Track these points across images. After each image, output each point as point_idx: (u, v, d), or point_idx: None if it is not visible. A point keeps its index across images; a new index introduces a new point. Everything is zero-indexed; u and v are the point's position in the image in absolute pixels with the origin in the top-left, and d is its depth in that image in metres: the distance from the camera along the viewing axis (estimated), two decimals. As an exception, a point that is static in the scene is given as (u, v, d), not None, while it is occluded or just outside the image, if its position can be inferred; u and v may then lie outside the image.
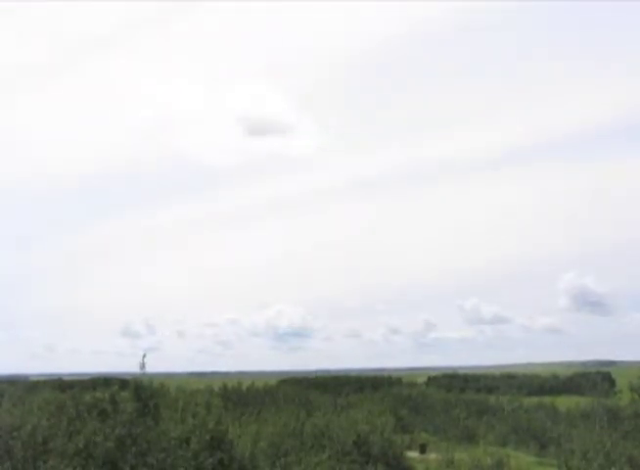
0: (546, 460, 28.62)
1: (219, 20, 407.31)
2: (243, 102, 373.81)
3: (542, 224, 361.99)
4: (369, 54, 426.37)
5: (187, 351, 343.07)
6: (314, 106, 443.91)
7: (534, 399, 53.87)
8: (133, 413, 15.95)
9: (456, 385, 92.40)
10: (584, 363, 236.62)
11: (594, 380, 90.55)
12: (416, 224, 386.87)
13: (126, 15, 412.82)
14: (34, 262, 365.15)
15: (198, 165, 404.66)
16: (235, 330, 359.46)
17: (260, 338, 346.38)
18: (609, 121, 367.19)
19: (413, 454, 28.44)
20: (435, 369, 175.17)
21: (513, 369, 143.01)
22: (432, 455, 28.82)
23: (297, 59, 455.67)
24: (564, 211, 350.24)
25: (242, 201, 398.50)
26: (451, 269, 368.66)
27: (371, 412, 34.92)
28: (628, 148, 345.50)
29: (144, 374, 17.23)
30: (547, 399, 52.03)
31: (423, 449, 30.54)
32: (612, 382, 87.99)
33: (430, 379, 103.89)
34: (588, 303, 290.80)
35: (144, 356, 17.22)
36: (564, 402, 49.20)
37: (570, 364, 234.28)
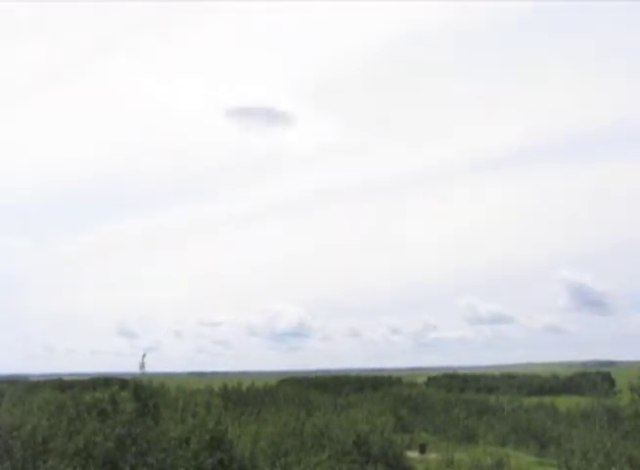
0: (546, 460, 28.62)
1: (220, 19, 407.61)
2: (242, 101, 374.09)
3: (542, 224, 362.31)
4: (368, 54, 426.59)
5: (186, 351, 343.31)
6: (316, 106, 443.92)
7: (534, 399, 53.88)
8: (133, 413, 15.94)
9: (456, 385, 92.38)
10: (584, 363, 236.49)
11: (594, 380, 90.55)
12: (416, 224, 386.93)
13: (127, 16, 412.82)
14: (34, 263, 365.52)
15: (197, 166, 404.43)
16: (235, 330, 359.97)
17: (260, 338, 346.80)
18: (609, 122, 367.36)
19: (413, 454, 28.43)
20: (435, 369, 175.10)
21: (513, 369, 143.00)
22: (432, 455, 28.82)
23: (300, 59, 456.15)
24: (564, 211, 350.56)
25: (242, 201, 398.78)
26: (451, 269, 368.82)
27: (371, 412, 34.91)
28: (628, 148, 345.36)
29: (144, 374, 17.23)
30: (547, 399, 52.04)
31: (423, 449, 30.52)
32: (612, 382, 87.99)
33: (430, 379, 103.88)
34: (588, 302, 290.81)
35: (144, 356, 17.24)
36: (564, 402, 49.20)
37: (570, 364, 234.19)
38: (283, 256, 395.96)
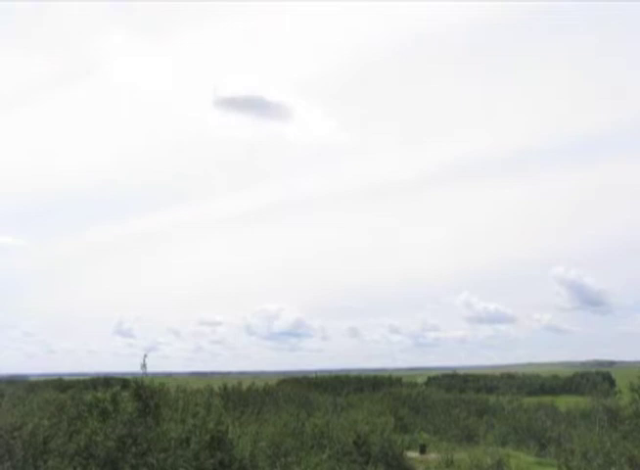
0: (546, 460, 28.60)
1: (221, 15, 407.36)
2: (242, 100, 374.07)
3: (542, 224, 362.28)
4: (368, 55, 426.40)
5: (186, 351, 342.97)
6: (313, 108, 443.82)
7: (534, 399, 53.82)
8: (134, 413, 15.97)
9: (456, 385, 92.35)
10: (584, 363, 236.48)
11: (594, 380, 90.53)
12: (416, 224, 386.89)
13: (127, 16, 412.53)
14: (34, 263, 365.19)
15: (197, 166, 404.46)
16: (235, 330, 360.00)
17: (260, 338, 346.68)
18: (610, 123, 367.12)
19: (413, 454, 28.42)
20: (435, 369, 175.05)
21: (513, 369, 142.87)
22: (432, 455, 28.79)
23: (299, 62, 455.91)
24: (564, 211, 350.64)
25: (242, 200, 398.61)
26: (451, 269, 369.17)
27: (371, 412, 34.90)
28: (628, 150, 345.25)
29: (145, 374, 17.25)
30: (547, 399, 51.99)
31: (423, 449, 30.50)
32: (612, 382, 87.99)
33: (430, 379, 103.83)
34: (588, 303, 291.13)
35: (145, 357, 17.27)
36: (564, 402, 49.20)
37: (570, 364, 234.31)
38: (283, 255, 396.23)
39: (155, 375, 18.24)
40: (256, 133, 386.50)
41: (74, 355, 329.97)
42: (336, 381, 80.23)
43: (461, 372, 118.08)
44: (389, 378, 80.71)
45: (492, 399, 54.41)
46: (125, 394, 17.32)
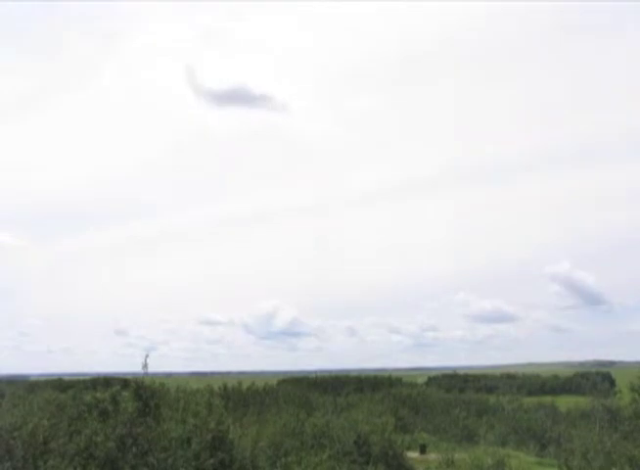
0: (546, 460, 28.62)
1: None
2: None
3: (542, 225, 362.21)
4: (369, 58, 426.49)
5: (186, 350, 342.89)
6: (314, 108, 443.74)
7: (534, 399, 53.85)
8: (134, 413, 15.94)
9: (456, 385, 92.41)
10: (584, 363, 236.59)
11: (594, 380, 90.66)
12: (416, 225, 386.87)
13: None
14: (34, 263, 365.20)
15: (198, 167, 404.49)
16: (235, 330, 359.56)
17: (260, 338, 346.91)
18: (609, 124, 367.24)
19: (413, 454, 28.42)
20: (435, 369, 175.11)
21: (513, 369, 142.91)
22: (432, 455, 28.79)
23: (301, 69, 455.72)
24: (563, 212, 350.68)
25: (242, 201, 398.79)
26: (451, 269, 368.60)
27: (371, 412, 34.90)
28: (628, 151, 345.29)
29: (145, 374, 17.23)
30: (547, 399, 52.01)
31: (423, 450, 30.50)
32: (612, 382, 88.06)
33: (430, 379, 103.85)
34: (588, 303, 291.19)
35: (146, 357, 17.24)
36: (564, 402, 49.22)
37: (570, 364, 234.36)
38: (283, 255, 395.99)
39: (154, 375, 18.23)
40: (257, 133, 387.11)
41: (74, 355, 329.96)
42: (336, 381, 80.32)
43: (461, 372, 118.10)
44: (389, 378, 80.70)
45: (492, 399, 54.43)
46: (125, 394, 17.29)
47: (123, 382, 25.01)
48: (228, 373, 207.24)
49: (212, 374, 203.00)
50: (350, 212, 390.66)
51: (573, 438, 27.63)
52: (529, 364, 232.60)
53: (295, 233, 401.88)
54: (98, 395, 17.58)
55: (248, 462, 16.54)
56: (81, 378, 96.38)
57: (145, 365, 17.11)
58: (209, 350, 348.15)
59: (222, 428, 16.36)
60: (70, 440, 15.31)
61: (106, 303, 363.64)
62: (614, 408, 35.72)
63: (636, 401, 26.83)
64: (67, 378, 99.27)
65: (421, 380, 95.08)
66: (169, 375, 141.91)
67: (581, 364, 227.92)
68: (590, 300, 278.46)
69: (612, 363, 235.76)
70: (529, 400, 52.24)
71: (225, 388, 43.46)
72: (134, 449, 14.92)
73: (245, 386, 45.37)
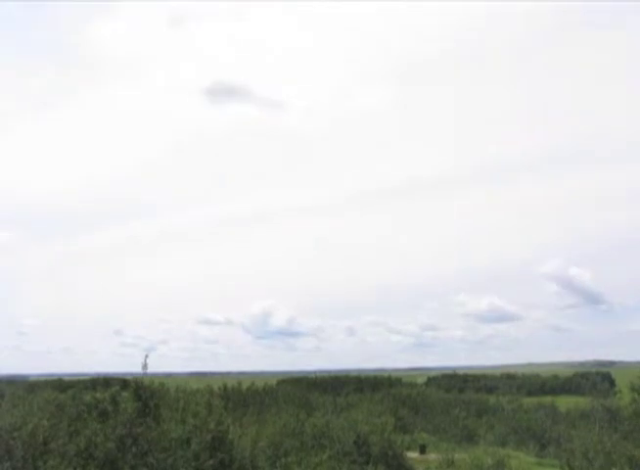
0: (546, 461, 28.60)
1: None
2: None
3: (542, 225, 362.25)
4: (370, 60, 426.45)
5: (186, 350, 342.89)
6: (314, 108, 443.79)
7: (534, 399, 53.84)
8: (134, 413, 15.91)
9: (456, 385, 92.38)
10: (584, 363, 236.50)
11: (594, 380, 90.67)
12: (416, 225, 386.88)
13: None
14: (34, 263, 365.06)
15: (199, 168, 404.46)
16: (234, 330, 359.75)
17: (260, 338, 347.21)
18: (610, 125, 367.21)
19: (413, 455, 28.40)
20: (435, 369, 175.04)
21: (513, 369, 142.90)
22: (431, 455, 28.78)
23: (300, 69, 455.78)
24: (563, 212, 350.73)
25: (241, 200, 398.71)
26: (451, 269, 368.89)
27: (371, 412, 34.86)
28: (628, 151, 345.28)
29: (144, 374, 17.22)
30: (547, 399, 51.98)
31: (423, 450, 30.49)
32: (611, 382, 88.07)
33: (429, 379, 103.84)
34: (588, 302, 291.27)
35: (146, 357, 17.21)
36: (564, 402, 49.19)
37: (570, 364, 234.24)
38: (282, 255, 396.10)
39: (154, 375, 18.22)
40: (257, 133, 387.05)
41: (74, 356, 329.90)
42: (335, 381, 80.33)
43: (461, 372, 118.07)
44: (389, 378, 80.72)
45: (492, 399, 54.43)
46: (125, 394, 17.27)
47: (123, 382, 25.04)
48: (227, 373, 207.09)
49: (212, 374, 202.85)
50: (350, 212, 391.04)
51: (573, 438, 27.58)
52: (529, 364, 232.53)
53: (294, 233, 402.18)
54: (98, 395, 17.58)
55: (247, 462, 16.52)
56: (81, 378, 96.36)
57: (145, 365, 17.10)
58: (209, 350, 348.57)
59: (222, 428, 16.34)
60: (70, 440, 15.29)
61: (105, 303, 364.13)
62: (614, 408, 35.71)
63: (636, 401, 26.86)
64: (66, 378, 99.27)
65: (420, 380, 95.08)
66: (169, 375, 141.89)
67: (581, 364, 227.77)
68: (590, 300, 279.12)
69: (612, 363, 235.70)
70: (529, 401, 52.24)
71: (225, 388, 43.43)
72: (134, 450, 14.90)
73: (244, 386, 45.35)
